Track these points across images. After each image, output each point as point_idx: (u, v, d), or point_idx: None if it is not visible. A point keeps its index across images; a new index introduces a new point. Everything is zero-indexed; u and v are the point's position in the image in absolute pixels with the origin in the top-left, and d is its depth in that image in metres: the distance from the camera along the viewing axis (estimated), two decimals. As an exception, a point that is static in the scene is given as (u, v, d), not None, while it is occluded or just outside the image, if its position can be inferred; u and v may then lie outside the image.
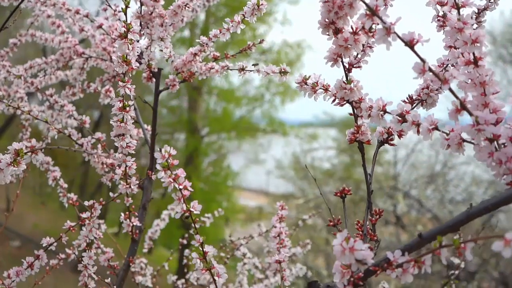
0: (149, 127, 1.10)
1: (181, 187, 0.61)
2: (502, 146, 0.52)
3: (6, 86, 1.20)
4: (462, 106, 0.51)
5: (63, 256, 1.07)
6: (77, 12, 1.09)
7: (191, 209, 0.62)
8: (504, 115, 0.53)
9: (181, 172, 0.62)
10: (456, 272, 1.08)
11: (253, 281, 1.42)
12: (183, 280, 1.34)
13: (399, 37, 0.50)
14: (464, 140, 0.54)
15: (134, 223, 0.96)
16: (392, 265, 0.51)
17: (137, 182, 0.90)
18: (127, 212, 0.95)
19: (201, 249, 0.64)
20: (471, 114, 0.51)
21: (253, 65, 0.95)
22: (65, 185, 1.10)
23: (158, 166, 0.61)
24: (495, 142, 0.52)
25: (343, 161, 10.14)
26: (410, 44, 0.50)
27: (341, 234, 0.50)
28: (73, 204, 1.04)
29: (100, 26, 1.06)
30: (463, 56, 0.54)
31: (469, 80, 0.55)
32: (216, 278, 0.64)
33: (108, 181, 1.01)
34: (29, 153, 0.67)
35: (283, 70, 0.86)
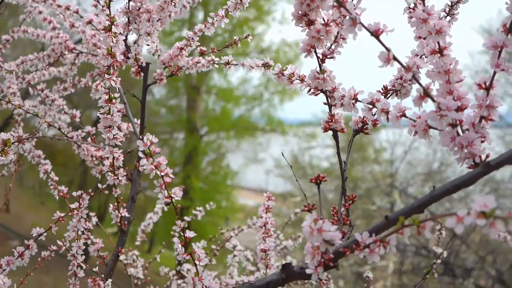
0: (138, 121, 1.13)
1: (162, 174, 0.64)
2: (466, 131, 0.54)
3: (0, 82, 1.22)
4: (425, 93, 0.54)
5: (54, 248, 1.10)
6: (68, 8, 1.11)
7: (172, 195, 0.65)
8: (468, 102, 0.55)
9: (162, 160, 0.65)
10: (438, 261, 1.10)
11: (244, 274, 1.45)
12: (173, 272, 1.36)
13: (364, 27, 0.52)
14: (430, 127, 0.56)
15: (123, 214, 0.98)
16: (360, 246, 0.54)
17: (125, 173, 0.93)
18: (115, 204, 0.97)
19: (182, 234, 0.66)
20: (434, 101, 0.53)
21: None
22: (56, 178, 1.12)
23: (140, 154, 0.63)
24: (458, 128, 0.54)
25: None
26: (375, 34, 0.52)
27: (310, 216, 0.53)
28: (64, 197, 1.06)
29: (89, 22, 1.09)
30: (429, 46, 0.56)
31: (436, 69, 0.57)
32: (197, 262, 0.66)
33: (97, 173, 1.03)
34: (16, 143, 0.69)
35: (266, 64, 0.89)
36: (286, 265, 0.60)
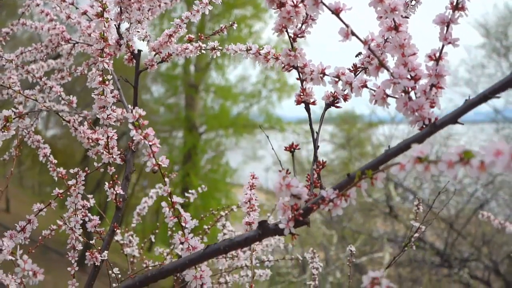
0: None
1: (151, 143, 0.70)
2: (418, 98, 0.61)
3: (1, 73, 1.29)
4: (381, 64, 0.60)
5: (54, 227, 1.16)
6: (63, 0, 1.18)
7: (160, 163, 0.71)
8: (421, 73, 0.62)
9: (150, 131, 0.71)
10: (416, 235, 1.17)
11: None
12: (168, 250, 1.43)
13: (326, 6, 0.59)
14: (387, 95, 0.63)
15: (118, 192, 1.05)
16: (326, 201, 0.60)
17: (119, 152, 0.99)
18: (111, 182, 1.04)
19: (169, 199, 0.73)
20: (388, 70, 0.60)
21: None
22: (55, 161, 1.18)
23: (129, 125, 0.69)
24: (412, 94, 0.61)
25: (340, 155, 10.25)
26: (336, 12, 0.59)
27: (280, 173, 0.59)
28: (63, 177, 1.13)
29: (84, 13, 1.15)
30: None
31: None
32: (183, 224, 0.73)
33: (94, 154, 1.10)
34: (17, 118, 0.76)
35: (248, 48, 0.95)
36: (262, 222, 0.66)
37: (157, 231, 1.51)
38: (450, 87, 9.05)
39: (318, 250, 6.11)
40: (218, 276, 1.31)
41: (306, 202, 0.62)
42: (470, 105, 0.54)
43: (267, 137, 1.04)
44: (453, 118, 0.56)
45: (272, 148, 0.98)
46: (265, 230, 0.66)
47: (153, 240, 1.45)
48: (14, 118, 0.74)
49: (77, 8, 1.16)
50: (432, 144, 7.56)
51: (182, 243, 0.71)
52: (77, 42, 1.27)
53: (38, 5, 1.27)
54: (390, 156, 0.58)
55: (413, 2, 0.81)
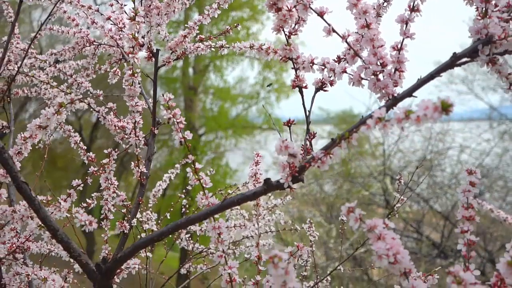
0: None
1: (178, 120, 0.89)
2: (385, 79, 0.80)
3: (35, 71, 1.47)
4: (355, 54, 0.79)
5: (84, 205, 1.34)
6: (90, 7, 1.36)
7: (185, 136, 0.90)
8: (387, 61, 0.80)
9: (177, 111, 0.90)
10: (399, 205, 1.35)
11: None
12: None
13: (313, 10, 0.77)
14: (362, 78, 0.81)
15: (142, 170, 1.23)
16: (315, 159, 0.78)
17: (144, 135, 1.18)
18: (136, 161, 1.22)
19: (193, 166, 0.91)
20: (361, 58, 0.78)
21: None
22: (85, 147, 1.37)
23: (162, 106, 0.88)
24: (380, 76, 0.79)
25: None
26: (320, 14, 0.77)
27: (280, 138, 0.77)
28: (92, 160, 1.31)
29: (108, 18, 1.34)
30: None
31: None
32: (204, 185, 0.91)
33: (120, 139, 1.28)
34: (69, 104, 0.94)
35: (252, 45, 1.14)
36: (266, 179, 0.84)
37: (171, 209, 1.69)
38: (447, 84, 9.25)
39: (318, 244, 6.29)
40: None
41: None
42: (421, 82, 0.73)
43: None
44: (409, 93, 0.74)
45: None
46: (269, 185, 0.84)
47: (168, 217, 1.63)
48: (66, 104, 0.92)
49: (102, 15, 1.35)
50: (429, 140, 7.79)
51: (202, 200, 0.90)
52: (100, 44, 1.45)
53: (65, 12, 1.45)
54: (362, 123, 0.77)
55: (385, 4, 1.00)
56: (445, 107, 0.55)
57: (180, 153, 11.47)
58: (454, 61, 0.71)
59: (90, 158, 1.32)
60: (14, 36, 1.59)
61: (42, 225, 0.94)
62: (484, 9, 0.71)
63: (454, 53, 0.72)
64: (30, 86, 1.62)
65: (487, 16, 0.70)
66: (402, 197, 1.31)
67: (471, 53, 0.70)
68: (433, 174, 6.77)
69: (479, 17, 0.71)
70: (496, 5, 0.70)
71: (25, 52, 1.42)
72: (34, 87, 1.60)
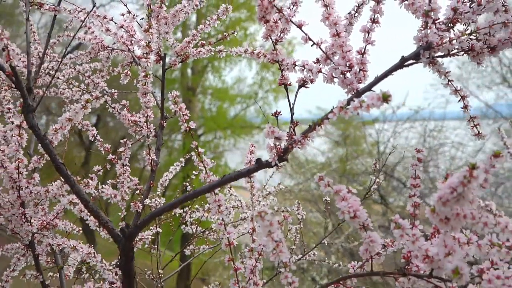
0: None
1: (184, 113, 1.08)
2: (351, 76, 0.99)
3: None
4: (327, 57, 0.99)
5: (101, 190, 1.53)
6: (105, 17, 1.56)
7: (190, 126, 1.09)
8: (353, 63, 1.00)
9: (183, 105, 1.09)
10: (375, 186, 1.54)
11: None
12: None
13: (293, 22, 0.97)
14: (333, 76, 1.01)
15: (153, 158, 1.43)
16: (296, 142, 0.98)
17: (155, 127, 1.38)
18: (147, 150, 1.42)
19: (197, 150, 1.11)
20: (331, 61, 0.98)
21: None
22: (101, 140, 1.56)
23: (170, 102, 1.07)
24: (348, 74, 0.99)
25: (338, 153, 10.64)
26: (299, 26, 0.97)
27: (268, 125, 0.97)
28: (108, 151, 1.51)
29: (121, 26, 1.53)
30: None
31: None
32: (205, 166, 1.11)
33: (133, 132, 1.48)
34: (94, 100, 1.14)
35: (246, 50, 1.33)
36: (258, 159, 1.04)
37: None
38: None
39: (315, 238, 6.49)
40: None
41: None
42: (377, 79, 0.93)
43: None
44: (368, 87, 0.94)
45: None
46: (260, 164, 1.04)
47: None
48: (91, 100, 1.12)
49: (115, 23, 1.55)
50: (425, 137, 8.01)
51: (206, 178, 1.09)
52: (113, 49, 1.65)
53: (82, 21, 1.65)
54: (330, 112, 0.97)
55: (356, 14, 1.20)
56: (385, 98, 0.74)
57: (179, 153, 11.66)
58: (402, 62, 0.91)
59: (106, 149, 1.52)
60: (35, 42, 1.79)
61: (72, 201, 1.13)
62: (425, 21, 0.90)
63: (403, 56, 0.92)
64: (48, 87, 1.82)
65: (428, 27, 0.90)
66: (378, 180, 1.51)
67: (415, 56, 0.90)
68: (426, 170, 6.96)
69: (421, 28, 0.91)
70: (434, 20, 0.90)
71: (47, 56, 1.61)
72: (52, 88, 1.79)
